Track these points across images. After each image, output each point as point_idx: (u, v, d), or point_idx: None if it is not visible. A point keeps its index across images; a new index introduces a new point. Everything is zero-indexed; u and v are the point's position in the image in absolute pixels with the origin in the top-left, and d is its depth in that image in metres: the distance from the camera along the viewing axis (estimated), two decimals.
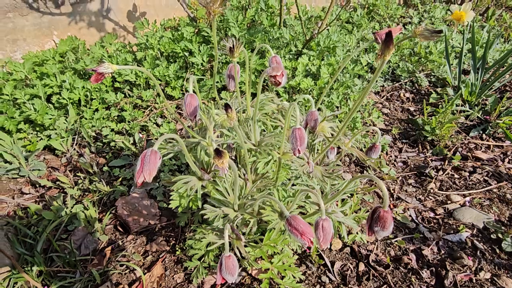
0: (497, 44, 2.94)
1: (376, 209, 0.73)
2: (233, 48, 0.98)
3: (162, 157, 0.83)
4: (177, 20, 2.69)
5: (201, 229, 1.22)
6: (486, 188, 1.82)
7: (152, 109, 2.27)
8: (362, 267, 1.45)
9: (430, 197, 1.80)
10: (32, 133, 2.01)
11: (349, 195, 1.66)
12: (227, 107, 0.85)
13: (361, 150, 2.01)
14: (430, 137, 2.14)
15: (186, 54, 2.36)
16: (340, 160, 1.94)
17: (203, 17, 2.59)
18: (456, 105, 2.36)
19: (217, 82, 2.34)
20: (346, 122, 1.02)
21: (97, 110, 2.15)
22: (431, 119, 2.16)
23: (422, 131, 2.16)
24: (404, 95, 2.63)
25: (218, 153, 0.76)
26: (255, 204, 1.03)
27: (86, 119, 2.08)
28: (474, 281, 1.39)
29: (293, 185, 1.27)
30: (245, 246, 1.21)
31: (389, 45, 0.75)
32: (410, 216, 1.70)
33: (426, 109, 2.30)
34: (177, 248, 1.50)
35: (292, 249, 1.42)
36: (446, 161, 2.00)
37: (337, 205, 1.41)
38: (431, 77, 2.78)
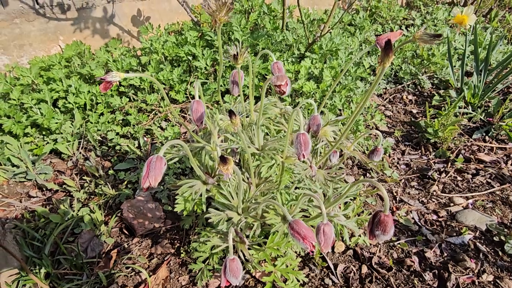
0: (500, 45, 2.94)
1: (377, 213, 0.74)
2: (237, 55, 1.00)
3: (167, 161, 0.85)
4: (180, 24, 2.72)
5: (206, 232, 1.24)
6: (489, 191, 1.82)
7: (157, 113, 2.30)
8: (365, 269, 1.47)
9: (433, 199, 1.81)
10: (38, 137, 2.05)
11: (352, 198, 1.67)
12: (231, 113, 0.87)
13: (363, 153, 2.02)
14: (433, 139, 2.15)
15: (190, 58, 2.39)
16: (343, 163, 1.95)
17: (207, 21, 2.62)
18: (459, 107, 2.37)
19: (221, 85, 2.36)
20: (349, 125, 1.03)
21: (102, 114, 2.18)
22: (434, 121, 2.17)
23: (425, 134, 2.17)
24: (406, 98, 2.65)
25: (223, 159, 0.78)
26: (258, 208, 1.05)
27: (91, 123, 2.11)
28: (476, 283, 1.40)
29: (296, 188, 1.29)
30: (249, 249, 1.23)
31: (389, 52, 0.77)
32: (412, 218, 1.71)
33: (429, 111, 2.31)
34: (181, 251, 1.52)
35: (296, 252, 1.43)
36: (449, 164, 2.01)
37: (340, 208, 1.43)
38: (434, 79, 2.79)
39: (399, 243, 1.58)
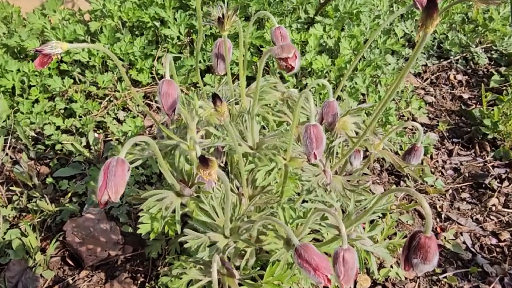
0: None
1: (415, 234, 0.75)
2: (223, 17, 0.99)
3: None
4: None
5: (180, 262, 1.23)
6: None
7: (112, 99, 2.29)
8: None
9: (492, 217, 1.83)
10: None
11: (381, 215, 1.68)
12: (215, 98, 0.87)
13: (396, 153, 2.03)
14: (491, 134, 2.16)
15: (157, 24, 2.39)
16: (368, 168, 1.96)
17: None
18: None
19: (200, 61, 2.36)
20: (376, 115, 1.03)
21: (37, 101, 2.17)
22: (492, 110, 2.19)
23: (480, 127, 2.18)
24: (455, 78, 2.66)
25: (204, 161, 0.77)
26: (253, 228, 1.05)
27: (22, 113, 2.10)
28: None
29: (304, 201, 1.29)
30: (240, 284, 1.22)
31: (432, 12, 0.77)
32: (464, 243, 1.72)
33: (485, 96, 2.33)
34: None
35: None
36: None
37: (364, 228, 1.43)
38: (492, 52, 2.80)
39: (445, 277, 1.59)
